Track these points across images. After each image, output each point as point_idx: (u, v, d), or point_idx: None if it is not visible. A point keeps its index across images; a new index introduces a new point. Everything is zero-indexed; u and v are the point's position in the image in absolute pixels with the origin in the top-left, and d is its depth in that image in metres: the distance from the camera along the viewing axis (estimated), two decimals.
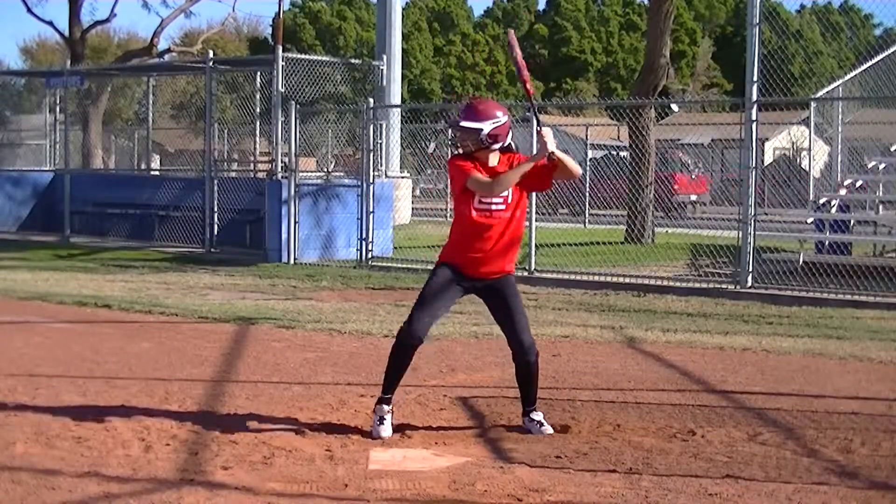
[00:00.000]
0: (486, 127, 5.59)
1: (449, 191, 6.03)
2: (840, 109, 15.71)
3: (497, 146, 5.68)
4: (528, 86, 5.84)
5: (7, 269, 14.81)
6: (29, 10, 31.61)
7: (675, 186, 27.37)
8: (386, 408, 5.76)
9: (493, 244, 5.70)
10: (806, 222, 15.35)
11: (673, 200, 26.23)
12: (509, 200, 5.67)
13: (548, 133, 5.59)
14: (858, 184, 15.32)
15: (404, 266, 15.39)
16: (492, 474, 5.01)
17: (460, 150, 5.73)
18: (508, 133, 5.70)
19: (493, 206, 5.65)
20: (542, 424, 5.84)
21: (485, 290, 5.84)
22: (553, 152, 5.57)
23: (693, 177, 29.19)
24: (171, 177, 23.04)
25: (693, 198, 28.14)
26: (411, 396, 6.70)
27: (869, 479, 5.04)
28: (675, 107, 37.39)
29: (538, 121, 5.88)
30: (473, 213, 5.65)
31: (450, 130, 5.87)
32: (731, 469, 5.14)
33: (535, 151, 5.78)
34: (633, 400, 6.81)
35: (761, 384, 7.38)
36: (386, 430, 5.71)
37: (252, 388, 7.01)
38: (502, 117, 5.64)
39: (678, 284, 12.97)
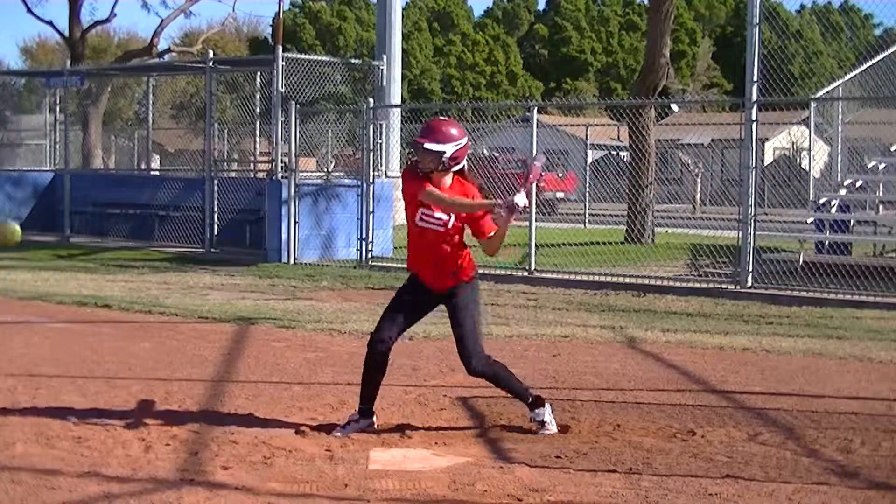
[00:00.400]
0: (449, 150, 5.63)
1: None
2: (840, 109, 15.70)
3: (456, 168, 5.71)
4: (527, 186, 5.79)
5: (7, 269, 14.81)
6: (29, 10, 31.63)
7: (542, 184, 28.62)
8: (355, 415, 5.82)
9: (434, 255, 5.73)
10: (806, 222, 15.34)
11: (540, 197, 27.74)
12: (449, 226, 5.71)
13: (519, 202, 5.44)
14: (858, 184, 15.31)
15: (404, 266, 15.28)
16: (492, 474, 5.01)
17: (419, 170, 5.71)
18: (465, 154, 5.72)
19: (432, 223, 5.69)
20: (542, 424, 5.83)
21: (445, 300, 5.84)
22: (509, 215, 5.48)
23: (560, 175, 30.52)
24: (171, 177, 23.04)
25: (560, 195, 29.25)
26: (411, 396, 6.70)
27: (869, 479, 5.04)
28: (675, 107, 37.38)
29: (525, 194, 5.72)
30: (417, 220, 5.72)
31: (410, 149, 5.89)
32: (731, 469, 5.14)
33: (515, 199, 5.48)
34: (633, 400, 6.81)
35: (761, 384, 7.38)
36: (343, 431, 5.74)
37: (252, 388, 7.01)
38: (462, 140, 5.68)
39: (678, 284, 12.97)
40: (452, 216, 5.68)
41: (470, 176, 5.86)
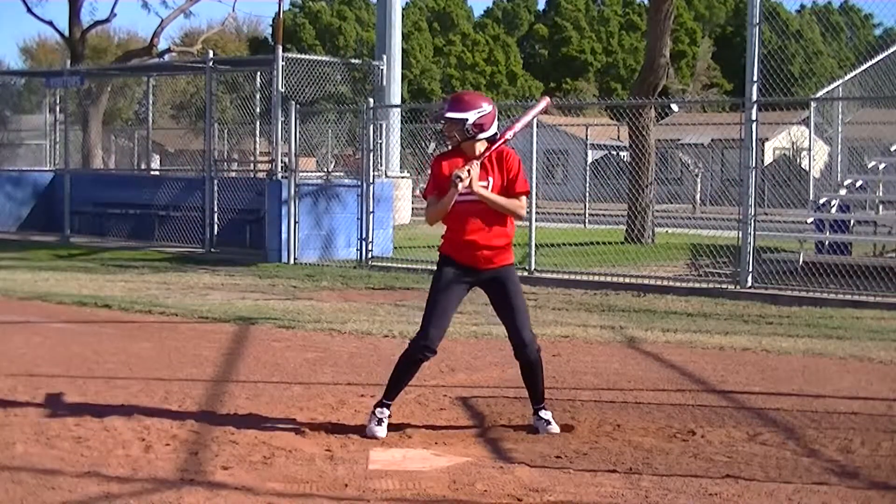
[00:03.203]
0: (471, 117, 5.64)
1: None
2: (840, 109, 15.70)
3: (483, 136, 5.70)
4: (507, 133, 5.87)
5: (7, 269, 14.81)
6: (29, 10, 31.61)
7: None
8: (386, 411, 5.78)
9: (479, 228, 5.68)
10: (806, 222, 15.34)
11: None
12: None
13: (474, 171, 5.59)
14: (858, 184, 15.31)
15: (404, 266, 15.39)
16: (492, 474, 5.01)
17: (449, 146, 5.79)
18: (493, 122, 5.73)
19: (471, 197, 5.66)
20: (548, 423, 5.82)
21: (488, 283, 5.80)
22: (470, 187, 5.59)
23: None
24: (171, 177, 23.04)
25: None
26: (411, 396, 6.69)
27: (869, 479, 5.04)
28: (675, 107, 37.38)
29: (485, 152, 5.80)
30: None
31: (438, 123, 5.94)
32: (731, 469, 5.14)
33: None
34: (633, 400, 6.81)
35: (761, 384, 7.38)
36: (381, 431, 5.72)
37: (252, 388, 7.01)
38: (487, 107, 5.69)
39: (678, 284, 12.97)
40: (491, 180, 5.65)
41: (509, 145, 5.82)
